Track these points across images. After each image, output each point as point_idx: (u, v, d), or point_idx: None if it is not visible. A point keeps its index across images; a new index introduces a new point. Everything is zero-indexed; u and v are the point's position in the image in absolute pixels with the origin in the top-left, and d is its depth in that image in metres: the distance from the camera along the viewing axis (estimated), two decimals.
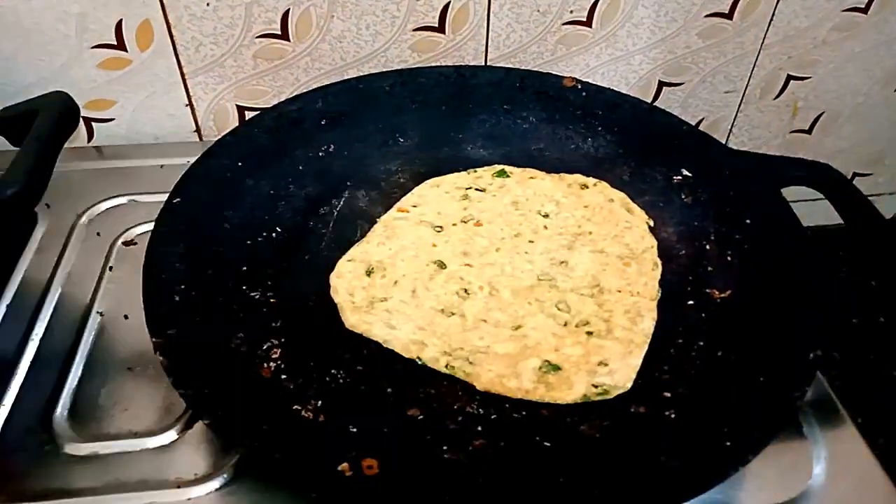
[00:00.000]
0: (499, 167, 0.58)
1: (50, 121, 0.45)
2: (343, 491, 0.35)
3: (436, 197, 0.56)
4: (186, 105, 0.69)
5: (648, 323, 0.46)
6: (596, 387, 0.42)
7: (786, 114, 0.80)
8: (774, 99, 0.79)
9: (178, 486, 0.43)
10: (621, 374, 0.43)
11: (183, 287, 0.45)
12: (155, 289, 0.44)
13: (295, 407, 0.40)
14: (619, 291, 0.48)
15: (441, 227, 0.54)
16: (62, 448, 0.44)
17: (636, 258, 0.51)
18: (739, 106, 0.79)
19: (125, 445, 0.45)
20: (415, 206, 0.55)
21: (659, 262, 0.51)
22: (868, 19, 0.73)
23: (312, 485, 0.35)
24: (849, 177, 0.87)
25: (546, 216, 0.55)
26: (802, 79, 0.77)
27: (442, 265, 0.51)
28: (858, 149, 0.85)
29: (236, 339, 0.44)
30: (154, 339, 0.41)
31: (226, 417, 0.37)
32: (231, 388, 0.40)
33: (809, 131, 0.83)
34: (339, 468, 0.36)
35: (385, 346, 0.45)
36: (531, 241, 0.53)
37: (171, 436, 0.45)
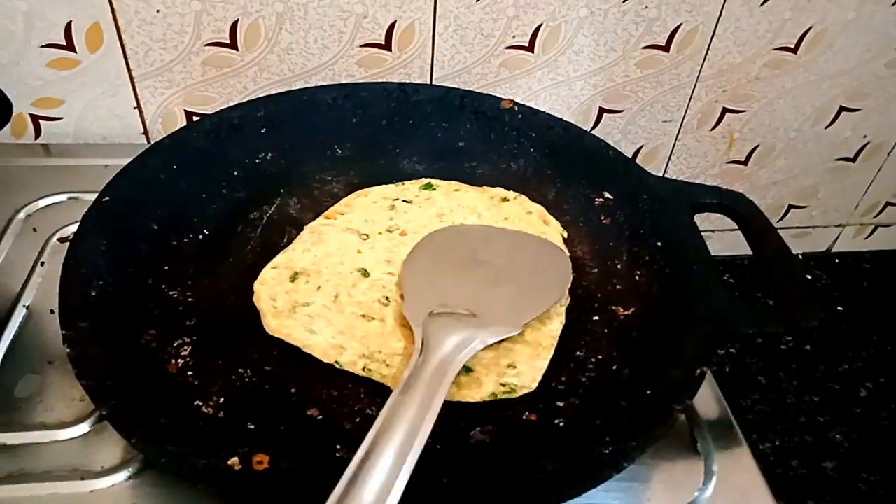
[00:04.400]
0: (426, 180, 0.60)
1: None
2: (231, 484, 0.36)
3: (363, 206, 0.58)
4: (135, 107, 0.70)
5: (556, 325, 0.49)
6: (503, 385, 0.44)
7: (722, 144, 0.84)
8: (711, 130, 0.82)
9: (82, 479, 0.43)
10: (528, 375, 0.45)
11: (101, 283, 0.46)
12: (72, 282, 0.45)
13: (196, 402, 0.41)
14: None
15: (367, 234, 0.55)
16: None
17: None
18: (677, 135, 0.82)
19: (35, 437, 0.45)
20: (342, 214, 0.57)
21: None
22: (797, 59, 0.77)
23: (201, 477, 0.36)
24: (784, 208, 0.91)
25: None
26: (737, 112, 0.81)
27: (365, 273, 0.52)
28: (792, 181, 0.89)
29: (148, 336, 0.45)
30: (64, 331, 0.42)
31: (123, 408, 0.38)
32: (134, 381, 0.41)
33: (746, 162, 0.86)
34: (229, 462, 0.37)
35: (305, 350, 0.46)
36: None
37: (83, 428, 0.46)
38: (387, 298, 0.51)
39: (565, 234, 0.56)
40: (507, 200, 0.59)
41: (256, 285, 0.50)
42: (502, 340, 0.46)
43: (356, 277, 0.52)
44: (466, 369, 0.45)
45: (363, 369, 0.45)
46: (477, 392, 0.44)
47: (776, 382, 0.79)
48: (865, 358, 0.82)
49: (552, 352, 0.47)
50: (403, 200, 0.58)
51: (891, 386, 0.79)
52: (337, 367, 0.46)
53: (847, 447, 0.73)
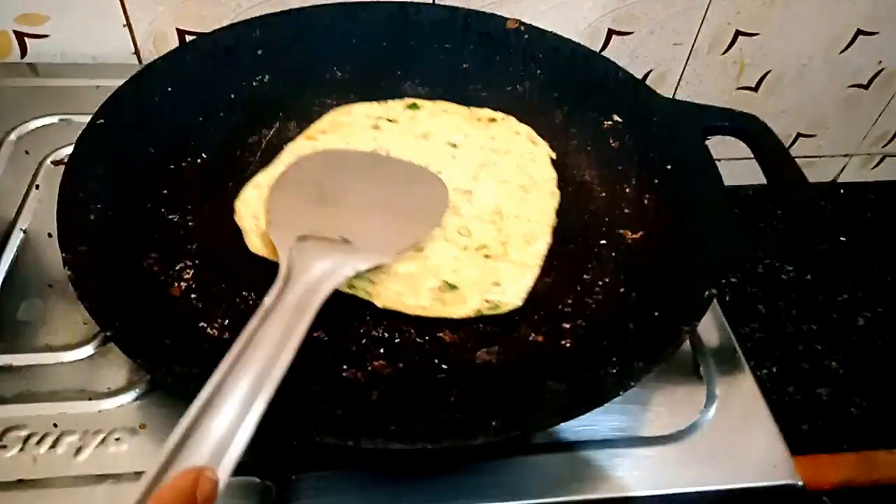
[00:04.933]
0: (410, 100, 0.59)
1: None
2: None
3: (346, 125, 0.56)
4: (124, 26, 0.67)
5: (542, 246, 0.49)
6: (488, 302, 0.44)
7: (733, 70, 0.81)
8: (722, 54, 0.79)
9: (90, 399, 0.44)
10: (512, 293, 0.45)
11: (99, 206, 0.45)
12: (69, 206, 0.44)
13: (201, 324, 0.41)
14: (517, 217, 0.50)
15: None
16: None
17: (537, 187, 0.53)
18: (687, 59, 0.79)
19: (40, 358, 0.46)
20: (323, 134, 0.55)
21: (557, 191, 0.53)
22: None
23: None
24: (793, 137, 0.89)
25: (454, 146, 0.56)
26: (750, 35, 0.78)
27: None
28: (803, 110, 0.86)
29: (149, 259, 0.44)
30: (64, 254, 0.41)
31: (128, 330, 0.38)
32: (138, 303, 0.41)
33: (756, 89, 0.84)
34: None
35: None
36: (439, 171, 0.53)
37: (87, 351, 0.46)
38: None
39: (553, 156, 0.56)
40: (495, 121, 0.58)
41: (237, 204, 0.49)
42: (373, 269, 0.44)
43: None
44: (451, 286, 0.45)
45: (348, 287, 0.45)
46: (461, 308, 0.44)
47: (776, 311, 0.80)
48: (866, 288, 0.83)
49: (537, 271, 0.47)
50: (387, 120, 0.57)
51: (889, 315, 0.80)
52: None
53: (842, 374, 0.75)
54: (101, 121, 0.49)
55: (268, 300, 0.37)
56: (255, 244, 0.47)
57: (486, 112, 0.59)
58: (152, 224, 0.47)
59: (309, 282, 0.38)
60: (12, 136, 0.60)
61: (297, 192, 0.48)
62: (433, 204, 0.49)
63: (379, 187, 0.49)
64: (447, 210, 0.49)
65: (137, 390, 0.44)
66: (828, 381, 0.74)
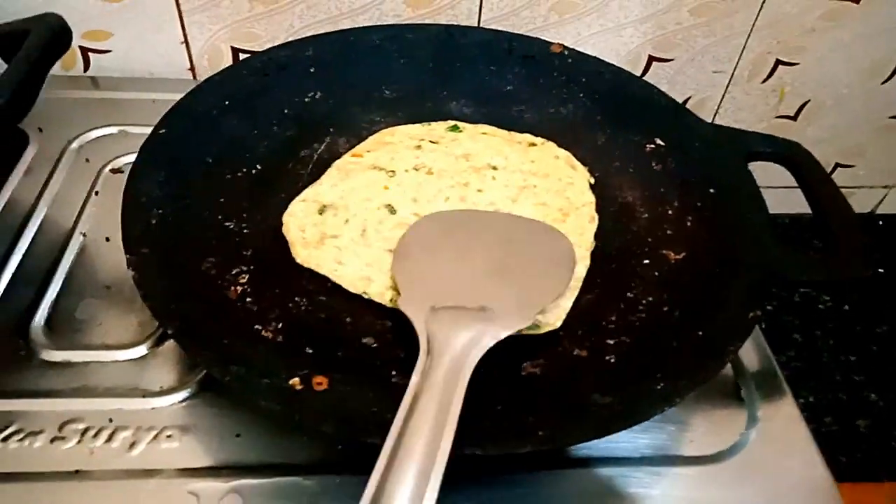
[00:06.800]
0: (452, 122, 0.61)
1: (40, 40, 0.46)
2: (291, 402, 0.38)
3: (389, 144, 0.58)
4: (182, 43, 0.70)
5: (581, 269, 0.49)
6: None
7: (772, 98, 0.82)
8: (762, 83, 0.80)
9: (143, 396, 0.45)
10: (552, 314, 0.46)
11: (160, 211, 0.47)
12: (132, 210, 0.45)
13: (256, 327, 0.42)
14: None
15: (393, 171, 0.56)
16: (37, 354, 0.47)
17: (575, 211, 0.54)
18: (727, 87, 0.80)
19: (97, 356, 0.47)
20: (368, 152, 0.57)
21: (595, 216, 0.53)
22: (858, 9, 0.74)
23: (263, 395, 0.37)
24: (831, 166, 0.89)
25: (495, 168, 0.57)
26: (790, 64, 0.78)
27: (392, 210, 0.53)
28: (841, 139, 0.86)
29: (207, 263, 0.46)
30: (128, 255, 0.43)
31: (188, 329, 0.39)
32: (197, 303, 0.42)
33: (795, 118, 0.84)
34: (290, 382, 0.38)
35: (334, 280, 0.47)
36: (479, 191, 0.55)
37: (141, 350, 0.48)
38: None
39: (592, 180, 0.56)
40: (535, 145, 0.59)
41: (285, 217, 0.51)
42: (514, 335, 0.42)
43: (383, 214, 0.52)
44: None
45: (390, 301, 0.46)
46: None
47: (812, 341, 0.79)
48: None
49: (577, 293, 0.48)
50: (430, 141, 0.58)
51: None
52: (365, 297, 0.46)
53: (882, 406, 0.73)
54: (163, 130, 0.52)
55: (415, 378, 0.35)
56: (301, 255, 0.48)
57: (527, 136, 0.60)
58: (209, 230, 0.48)
59: (454, 355, 0.37)
60: (74, 145, 0.62)
61: (422, 257, 0.47)
62: (561, 259, 0.47)
63: (503, 246, 0.48)
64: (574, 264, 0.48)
65: (188, 391, 0.45)
66: (867, 414, 0.73)
